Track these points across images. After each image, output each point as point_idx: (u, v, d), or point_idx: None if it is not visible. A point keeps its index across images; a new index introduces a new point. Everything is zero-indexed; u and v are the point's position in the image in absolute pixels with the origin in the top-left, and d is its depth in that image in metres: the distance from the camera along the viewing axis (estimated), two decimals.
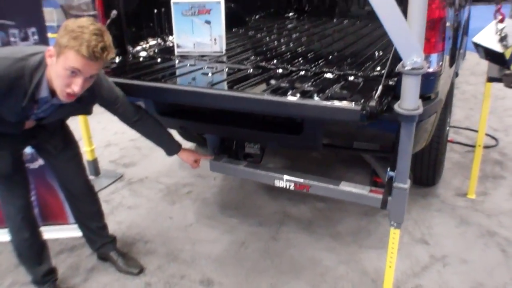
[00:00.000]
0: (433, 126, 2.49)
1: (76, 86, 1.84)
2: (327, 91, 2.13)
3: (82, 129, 3.75)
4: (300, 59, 2.87)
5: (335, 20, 4.64)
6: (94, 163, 3.95)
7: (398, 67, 1.87)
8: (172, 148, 2.52)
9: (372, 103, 1.89)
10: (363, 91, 2.15)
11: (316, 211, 3.31)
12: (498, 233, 3.05)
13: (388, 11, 1.76)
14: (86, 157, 3.87)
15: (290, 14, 5.01)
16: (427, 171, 3.39)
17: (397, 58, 1.96)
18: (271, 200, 3.46)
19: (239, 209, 3.37)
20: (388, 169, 2.24)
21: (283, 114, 2.10)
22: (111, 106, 2.24)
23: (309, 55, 3.00)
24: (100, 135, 4.80)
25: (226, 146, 2.79)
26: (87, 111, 2.30)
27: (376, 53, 2.94)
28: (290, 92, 2.09)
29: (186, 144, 4.36)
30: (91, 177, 3.87)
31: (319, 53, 3.08)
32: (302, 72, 2.51)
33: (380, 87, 2.04)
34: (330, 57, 2.93)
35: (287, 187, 2.44)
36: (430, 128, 2.44)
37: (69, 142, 2.43)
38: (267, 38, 3.69)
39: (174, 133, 2.90)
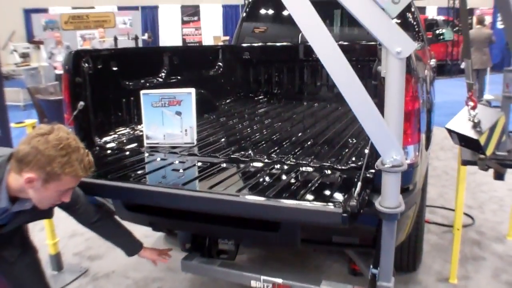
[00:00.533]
0: (413, 216, 2.42)
1: (68, 198, 1.88)
2: (303, 190, 2.05)
3: (45, 221, 3.54)
4: (274, 148, 2.81)
5: (305, 103, 4.68)
6: (57, 257, 3.70)
7: (377, 164, 1.81)
8: (132, 248, 2.43)
9: (353, 203, 1.81)
10: (341, 186, 2.08)
11: None
12: None
13: (365, 109, 1.73)
14: (49, 250, 3.63)
15: (260, 97, 5.05)
16: (407, 257, 3.28)
17: (374, 152, 1.92)
18: None
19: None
20: (371, 266, 2.13)
21: (260, 217, 2.00)
22: (71, 207, 2.14)
23: (283, 143, 2.95)
24: (64, 224, 4.49)
25: (198, 243, 2.64)
26: (49, 215, 2.16)
27: (350, 140, 2.92)
28: (267, 193, 2.01)
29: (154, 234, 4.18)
30: (53, 273, 3.64)
31: (293, 141, 3.04)
32: (277, 166, 2.44)
33: (359, 184, 1.98)
34: (305, 145, 2.89)
35: (264, 287, 2.29)
36: (411, 219, 2.37)
37: (27, 248, 2.26)
38: (239, 125, 3.66)
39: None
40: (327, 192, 2.03)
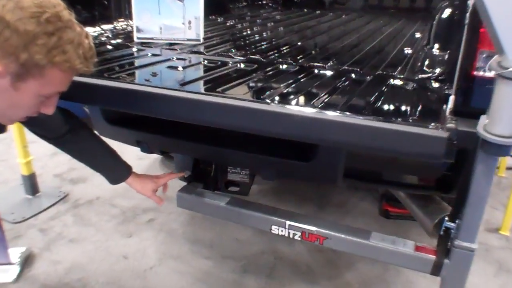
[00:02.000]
0: None
1: (52, 108, 1.20)
2: (370, 100, 1.37)
3: (15, 135, 2.89)
4: (305, 53, 2.10)
5: (331, 14, 3.89)
6: (31, 178, 3.08)
7: (492, 66, 1.12)
8: (116, 173, 1.78)
9: (451, 125, 1.14)
10: (420, 101, 1.40)
11: (316, 253, 2.55)
12: None
13: None
14: (21, 171, 3.02)
15: (278, 5, 4.23)
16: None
17: (469, 57, 1.25)
18: (257, 234, 2.68)
19: (216, 247, 2.58)
20: (445, 217, 1.51)
21: (304, 138, 1.29)
22: None
23: (317, 49, 2.24)
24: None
25: (201, 170, 2.00)
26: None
27: (405, 51, 2.19)
28: (312, 102, 1.33)
29: (145, 159, 3.55)
30: (27, 197, 3.05)
31: (328, 47, 2.32)
32: (315, 71, 1.75)
33: (452, 99, 1.30)
34: (345, 52, 2.18)
35: (290, 236, 1.67)
36: None
37: None
38: (259, 27, 2.91)
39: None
40: (403, 108, 1.36)
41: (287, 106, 1.24)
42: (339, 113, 1.20)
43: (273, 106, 1.25)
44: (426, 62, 1.84)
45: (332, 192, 3.20)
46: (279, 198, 3.07)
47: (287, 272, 2.39)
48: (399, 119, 1.16)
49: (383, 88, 1.53)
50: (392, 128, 1.10)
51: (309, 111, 1.19)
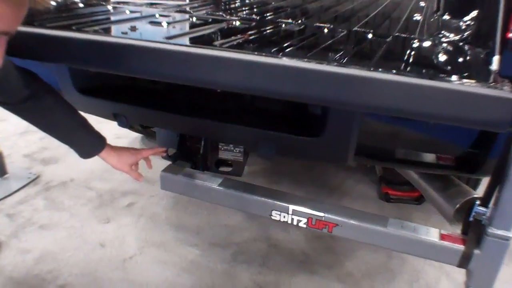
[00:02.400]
0: None
1: None
2: (403, 59, 1.14)
3: None
4: (311, 15, 1.86)
5: None
6: None
7: None
8: (88, 146, 1.50)
9: (508, 87, 0.91)
10: (461, 64, 1.17)
11: (314, 239, 2.33)
12: None
13: None
14: None
15: None
16: None
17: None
18: (248, 219, 2.45)
19: (203, 234, 2.34)
20: (476, 201, 1.29)
21: (329, 101, 1.02)
22: None
23: (323, 12, 2.00)
24: (15, 117, 3.61)
25: (188, 148, 1.74)
26: None
27: (415, 18, 1.96)
28: (331, 56, 1.10)
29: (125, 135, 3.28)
30: None
31: (333, 11, 2.08)
32: (326, 30, 1.51)
33: (496, 59, 1.07)
34: (353, 17, 1.94)
35: (294, 223, 1.44)
36: None
37: None
38: None
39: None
40: (446, 67, 1.12)
41: (302, 62, 0.98)
42: (378, 71, 0.95)
43: (285, 60, 0.99)
44: (443, 27, 1.62)
45: (327, 175, 2.98)
46: (270, 180, 2.84)
47: (283, 261, 2.17)
48: (448, 78, 0.92)
49: (411, 49, 1.29)
50: (452, 88, 0.86)
51: (339, 68, 0.94)
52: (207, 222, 2.41)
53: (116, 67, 1.13)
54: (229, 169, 1.77)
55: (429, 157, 1.56)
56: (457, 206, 1.52)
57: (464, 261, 1.32)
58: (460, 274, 1.40)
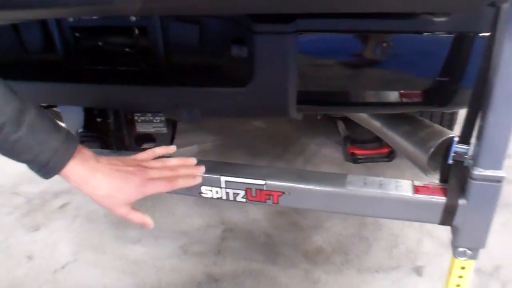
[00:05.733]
0: None
1: None
2: None
3: None
4: None
5: None
6: None
7: None
8: (47, 148, 0.83)
9: None
10: None
11: (276, 216, 2.03)
12: None
13: None
14: None
15: None
16: None
17: None
18: (200, 203, 2.13)
19: (147, 228, 2.00)
20: (454, 138, 1.00)
21: None
22: None
23: None
24: None
25: (97, 125, 1.41)
26: None
27: None
28: None
29: None
30: None
31: None
32: None
33: None
34: None
35: (230, 198, 1.13)
36: None
37: None
38: None
39: None
40: None
41: None
42: None
43: None
44: None
45: (287, 143, 2.68)
46: (223, 156, 2.52)
47: (241, 247, 1.86)
48: None
49: None
50: None
51: None
52: (152, 213, 2.08)
53: None
54: (153, 144, 1.44)
55: (392, 96, 1.26)
56: (432, 150, 1.24)
57: (447, 216, 1.03)
58: (445, 231, 1.12)
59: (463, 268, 1.12)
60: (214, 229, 1.97)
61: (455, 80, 1.14)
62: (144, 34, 1.19)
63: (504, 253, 1.77)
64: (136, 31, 1.20)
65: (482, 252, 1.80)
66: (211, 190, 1.12)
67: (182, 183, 0.98)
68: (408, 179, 1.08)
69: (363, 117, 1.55)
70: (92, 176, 0.89)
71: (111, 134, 1.37)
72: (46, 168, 0.85)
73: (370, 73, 1.12)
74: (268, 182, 1.06)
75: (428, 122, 1.36)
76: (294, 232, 1.92)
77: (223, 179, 1.09)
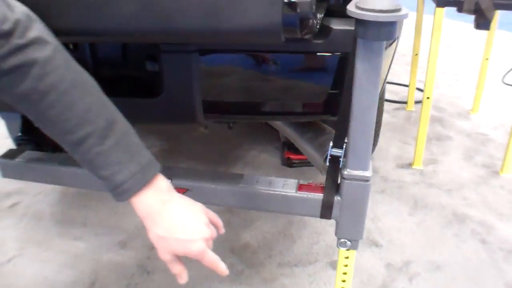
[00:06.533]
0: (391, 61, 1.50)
1: None
2: None
3: None
4: None
5: None
6: None
7: None
8: (134, 162, 0.85)
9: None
10: None
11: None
12: (469, 215, 2.17)
13: None
14: None
15: None
16: None
17: None
18: None
19: (89, 226, 2.15)
20: (330, 143, 1.19)
21: None
22: None
23: None
24: None
25: (36, 129, 1.55)
26: None
27: None
28: None
29: None
30: None
31: None
32: None
33: None
34: None
35: None
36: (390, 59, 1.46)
37: None
38: None
39: None
40: None
41: None
42: None
43: None
44: None
45: (228, 148, 2.84)
46: (168, 160, 2.68)
47: None
48: None
49: None
50: None
51: None
52: (95, 213, 2.23)
53: None
54: None
55: (295, 105, 1.44)
56: (326, 153, 1.42)
57: (326, 211, 1.21)
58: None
59: (347, 257, 1.30)
60: None
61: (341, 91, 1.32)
62: (76, 49, 1.35)
63: (415, 251, 1.96)
64: (70, 46, 1.36)
65: (394, 249, 2.01)
66: None
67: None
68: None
69: (280, 125, 1.73)
70: (158, 213, 0.89)
71: (47, 137, 1.51)
72: (119, 190, 0.83)
73: (266, 86, 1.30)
74: (174, 181, 1.23)
75: (329, 129, 1.54)
76: (224, 230, 2.08)
77: None
